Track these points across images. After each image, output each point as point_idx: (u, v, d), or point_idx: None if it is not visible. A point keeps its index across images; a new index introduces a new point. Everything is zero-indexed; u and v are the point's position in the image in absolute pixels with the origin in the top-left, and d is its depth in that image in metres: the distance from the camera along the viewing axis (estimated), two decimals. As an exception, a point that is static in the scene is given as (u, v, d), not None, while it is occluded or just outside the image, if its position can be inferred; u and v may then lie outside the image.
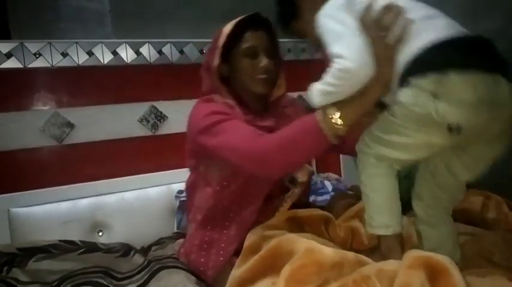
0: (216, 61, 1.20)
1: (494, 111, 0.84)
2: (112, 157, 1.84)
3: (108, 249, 1.41)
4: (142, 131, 1.90)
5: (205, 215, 1.23)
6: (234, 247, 1.19)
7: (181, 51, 1.94)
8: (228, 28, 1.21)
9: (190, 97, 1.92)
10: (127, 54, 1.84)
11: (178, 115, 1.93)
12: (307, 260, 0.88)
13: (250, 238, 1.10)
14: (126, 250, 1.41)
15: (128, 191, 1.78)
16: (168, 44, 1.92)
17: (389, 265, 0.85)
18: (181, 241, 1.39)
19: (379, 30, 0.89)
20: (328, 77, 0.91)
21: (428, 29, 0.88)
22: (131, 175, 1.83)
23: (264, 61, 1.21)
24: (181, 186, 1.80)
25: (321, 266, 0.87)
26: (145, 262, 1.30)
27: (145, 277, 1.21)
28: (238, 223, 1.20)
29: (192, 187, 1.31)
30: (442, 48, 0.84)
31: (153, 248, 1.45)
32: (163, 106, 1.93)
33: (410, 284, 0.75)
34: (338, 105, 0.94)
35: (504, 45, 0.86)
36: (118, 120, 1.84)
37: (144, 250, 1.45)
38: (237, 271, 1.05)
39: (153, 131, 1.91)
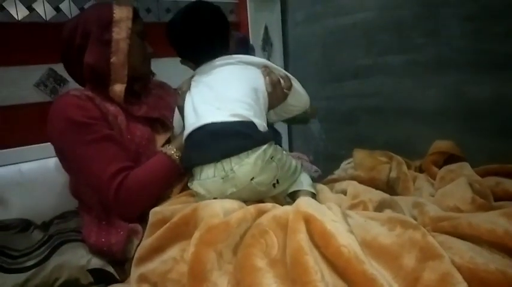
0: (121, 34, 1.24)
1: None
2: (5, 125, 1.66)
3: (4, 226, 1.28)
4: (39, 96, 1.73)
5: (98, 211, 1.23)
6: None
7: (81, 9, 1.76)
8: (127, 9, 1.27)
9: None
10: (17, 10, 1.64)
11: (80, 79, 1.78)
12: (214, 222, 0.90)
13: (158, 212, 1.06)
14: (24, 225, 1.30)
15: (25, 162, 1.61)
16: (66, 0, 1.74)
17: (281, 210, 0.92)
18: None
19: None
20: None
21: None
22: (29, 145, 1.66)
23: (147, 44, 1.36)
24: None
25: (227, 224, 0.89)
26: (46, 237, 1.20)
27: (46, 252, 1.12)
28: None
29: (77, 191, 1.35)
30: None
31: (56, 221, 1.35)
32: (62, 69, 1.74)
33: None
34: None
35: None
36: (10, 85, 1.65)
37: (45, 225, 1.34)
38: (147, 241, 1.01)
39: (52, 96, 1.75)
